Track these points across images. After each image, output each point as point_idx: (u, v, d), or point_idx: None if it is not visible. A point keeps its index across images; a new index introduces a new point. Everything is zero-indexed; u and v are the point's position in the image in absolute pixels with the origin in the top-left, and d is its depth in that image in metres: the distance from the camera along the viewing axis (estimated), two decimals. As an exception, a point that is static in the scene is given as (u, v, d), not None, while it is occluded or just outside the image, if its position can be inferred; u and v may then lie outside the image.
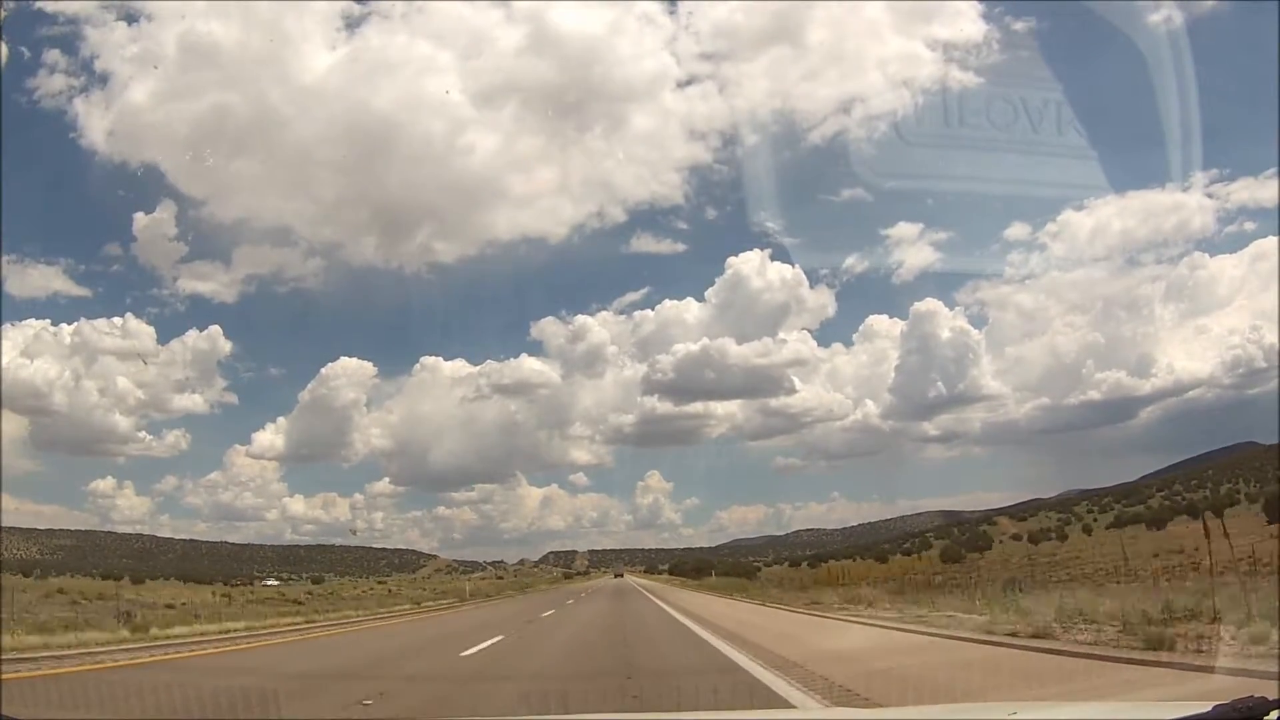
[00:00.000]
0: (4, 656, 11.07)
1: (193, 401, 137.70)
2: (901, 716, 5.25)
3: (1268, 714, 2.70)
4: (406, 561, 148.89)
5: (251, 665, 12.99)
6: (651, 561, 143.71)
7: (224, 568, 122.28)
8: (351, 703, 8.26)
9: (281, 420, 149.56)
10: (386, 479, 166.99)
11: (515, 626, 19.74)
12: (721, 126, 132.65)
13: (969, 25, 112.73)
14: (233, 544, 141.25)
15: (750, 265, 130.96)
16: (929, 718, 4.87)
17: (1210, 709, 2.81)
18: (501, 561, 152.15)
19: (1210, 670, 7.58)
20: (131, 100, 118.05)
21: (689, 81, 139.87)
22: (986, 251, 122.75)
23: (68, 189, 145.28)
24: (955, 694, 7.11)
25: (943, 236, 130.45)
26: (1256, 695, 2.81)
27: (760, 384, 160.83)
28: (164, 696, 8.78)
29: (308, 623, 24.63)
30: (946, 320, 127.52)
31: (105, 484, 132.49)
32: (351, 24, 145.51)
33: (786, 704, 7.04)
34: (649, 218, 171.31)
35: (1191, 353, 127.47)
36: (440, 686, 9.80)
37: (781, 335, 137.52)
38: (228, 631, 18.80)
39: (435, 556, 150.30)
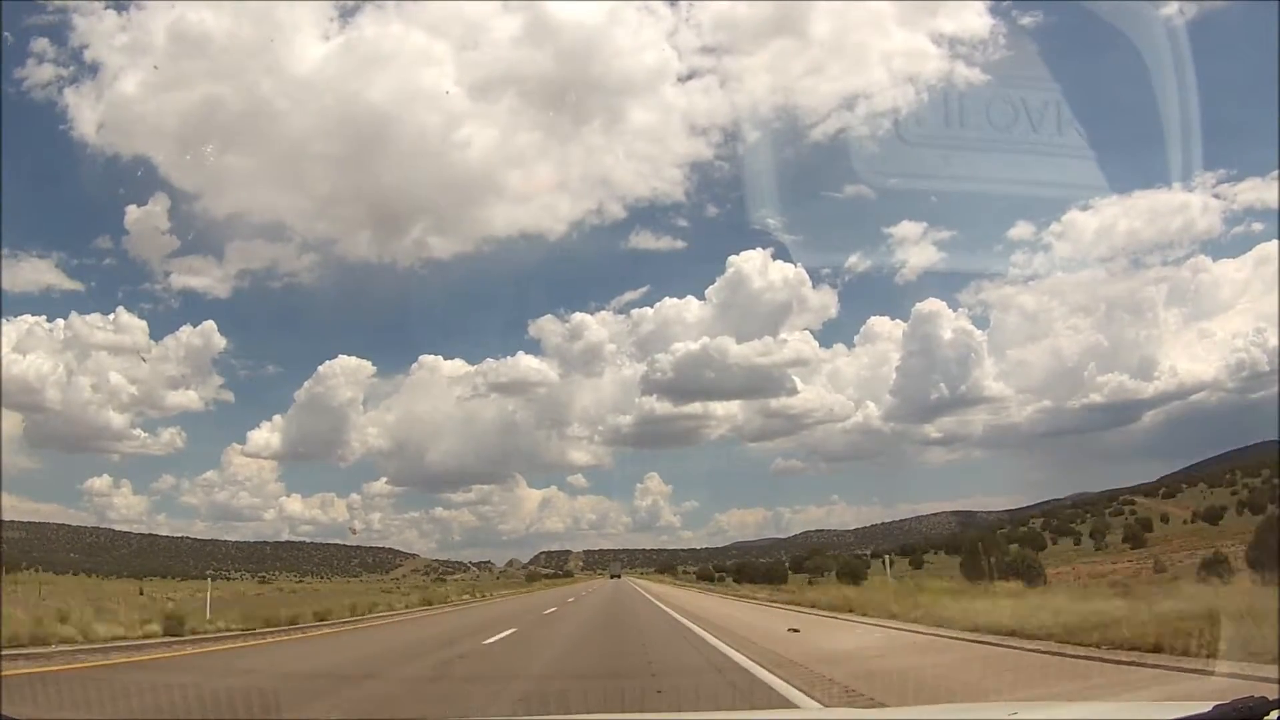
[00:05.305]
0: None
1: (188, 399, 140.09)
2: (902, 716, 5.45)
3: (1268, 714, 2.84)
4: (381, 561, 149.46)
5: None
6: (658, 562, 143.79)
7: (181, 564, 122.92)
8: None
9: (278, 418, 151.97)
10: (384, 479, 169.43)
11: None
12: (723, 122, 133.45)
13: (974, 20, 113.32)
14: (194, 539, 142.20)
15: (751, 264, 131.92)
16: (929, 718, 5.06)
17: (1210, 709, 2.97)
18: (489, 562, 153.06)
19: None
20: (122, 91, 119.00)
21: (690, 75, 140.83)
22: (990, 251, 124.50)
23: (58, 181, 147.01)
24: None
25: (946, 236, 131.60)
26: (1257, 695, 2.97)
27: (761, 384, 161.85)
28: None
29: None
30: (949, 321, 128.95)
31: (101, 482, 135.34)
32: (345, 14, 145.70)
33: (787, 703, 7.17)
34: (649, 214, 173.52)
35: (1195, 356, 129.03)
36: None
37: (783, 335, 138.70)
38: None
39: (414, 556, 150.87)
